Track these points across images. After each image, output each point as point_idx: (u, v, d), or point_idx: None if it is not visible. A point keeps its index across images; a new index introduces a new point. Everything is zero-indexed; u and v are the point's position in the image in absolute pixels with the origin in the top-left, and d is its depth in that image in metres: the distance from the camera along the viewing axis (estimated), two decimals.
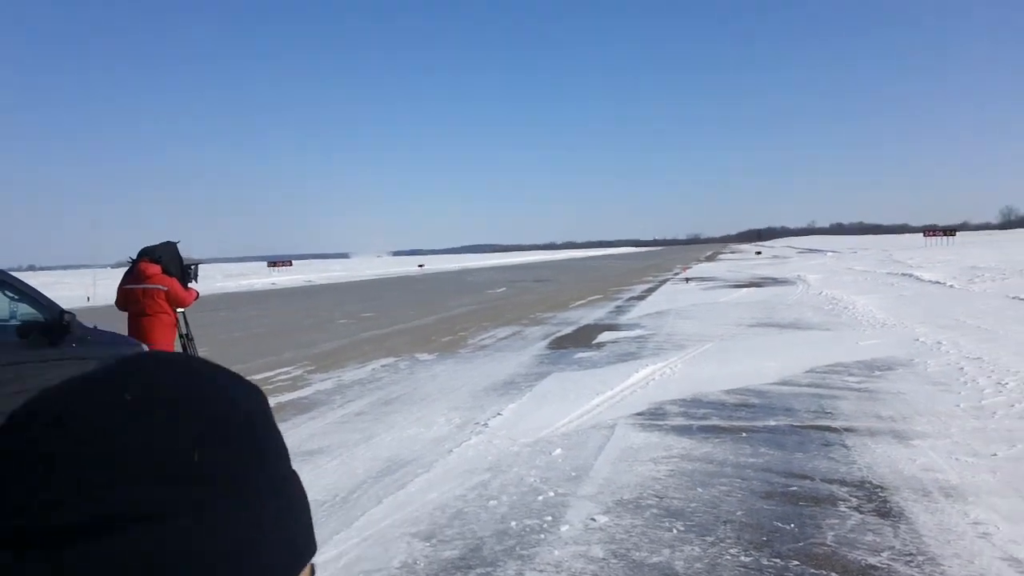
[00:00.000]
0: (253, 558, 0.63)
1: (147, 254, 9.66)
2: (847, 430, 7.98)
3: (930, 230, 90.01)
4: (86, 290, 36.92)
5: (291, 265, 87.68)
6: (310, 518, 0.72)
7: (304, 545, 0.70)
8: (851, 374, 10.93)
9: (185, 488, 0.60)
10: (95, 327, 8.16)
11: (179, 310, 9.96)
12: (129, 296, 9.66)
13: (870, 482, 6.34)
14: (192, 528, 0.59)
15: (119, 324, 9.72)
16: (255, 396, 0.72)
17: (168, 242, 9.96)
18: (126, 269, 9.92)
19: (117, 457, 0.59)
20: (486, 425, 8.66)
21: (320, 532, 5.46)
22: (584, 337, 16.61)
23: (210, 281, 54.30)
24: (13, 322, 7.96)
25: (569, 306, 25.53)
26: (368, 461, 7.43)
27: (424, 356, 14.57)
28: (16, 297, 7.94)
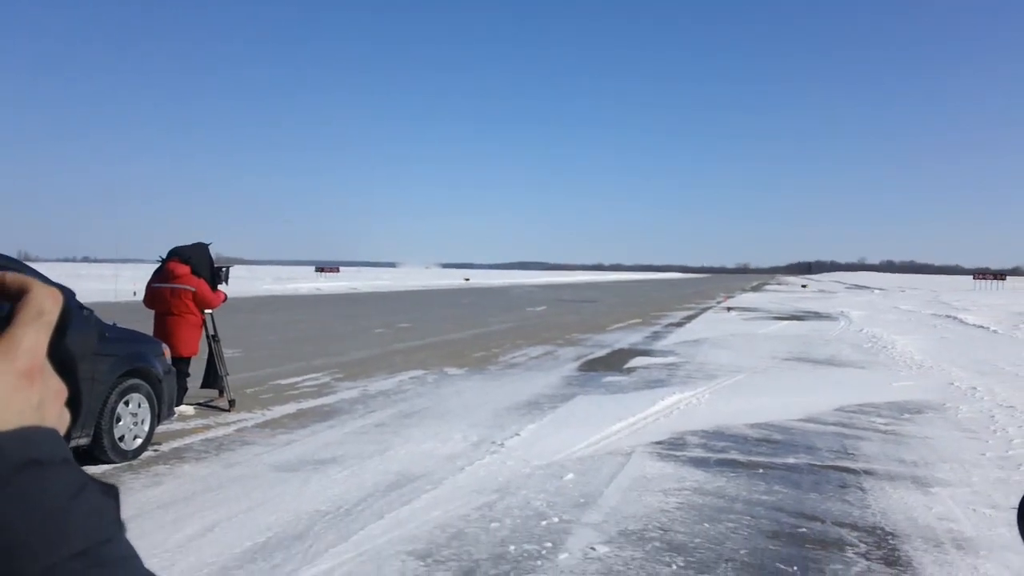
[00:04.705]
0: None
1: (177, 254, 9.75)
2: (867, 472, 7.82)
3: (981, 273, 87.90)
4: (134, 284, 37.38)
5: (338, 271, 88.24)
6: None
7: None
8: (880, 415, 10.73)
9: None
10: (114, 324, 8.08)
11: (206, 311, 10.05)
12: (156, 295, 9.75)
13: (882, 528, 6.19)
14: None
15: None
16: None
17: (199, 243, 10.04)
18: (155, 268, 10.03)
19: None
20: (502, 445, 8.62)
21: (316, 545, 5.46)
22: (616, 361, 16.52)
23: (257, 283, 54.97)
24: None
25: (607, 328, 25.42)
26: (378, 474, 7.41)
27: (453, 371, 14.57)
28: None
